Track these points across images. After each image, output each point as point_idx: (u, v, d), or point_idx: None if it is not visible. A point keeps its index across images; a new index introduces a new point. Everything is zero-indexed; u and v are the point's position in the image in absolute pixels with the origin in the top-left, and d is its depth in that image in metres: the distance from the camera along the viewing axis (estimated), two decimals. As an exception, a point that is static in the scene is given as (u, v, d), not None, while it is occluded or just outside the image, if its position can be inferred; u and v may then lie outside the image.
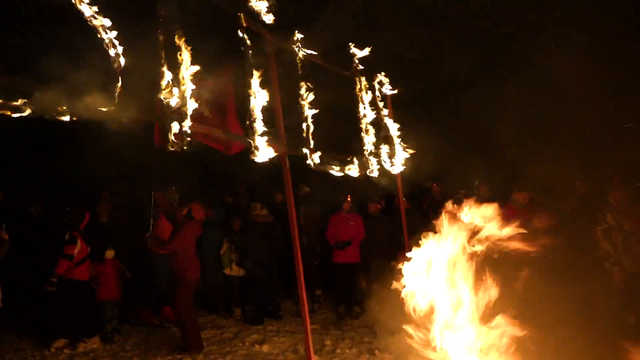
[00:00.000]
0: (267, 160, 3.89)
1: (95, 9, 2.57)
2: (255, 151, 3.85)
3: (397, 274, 8.11)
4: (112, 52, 2.76)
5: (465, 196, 8.93)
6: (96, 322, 7.59)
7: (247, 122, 3.90)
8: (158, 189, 8.43)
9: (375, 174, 5.51)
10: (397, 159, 6.07)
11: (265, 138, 3.87)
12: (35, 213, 8.27)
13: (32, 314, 8.05)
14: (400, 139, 6.09)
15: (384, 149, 5.79)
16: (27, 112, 2.23)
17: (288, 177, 4.56)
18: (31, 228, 8.08)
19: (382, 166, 5.69)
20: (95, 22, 2.67)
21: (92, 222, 7.76)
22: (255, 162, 3.90)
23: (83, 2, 2.52)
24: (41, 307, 7.65)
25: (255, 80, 3.91)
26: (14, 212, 7.89)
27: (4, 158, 10.30)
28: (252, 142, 3.80)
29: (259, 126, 3.89)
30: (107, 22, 2.66)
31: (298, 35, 4.72)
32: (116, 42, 2.75)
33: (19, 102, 2.22)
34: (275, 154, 4.10)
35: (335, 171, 4.81)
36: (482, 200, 8.87)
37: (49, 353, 7.12)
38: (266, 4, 3.87)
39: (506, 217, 6.94)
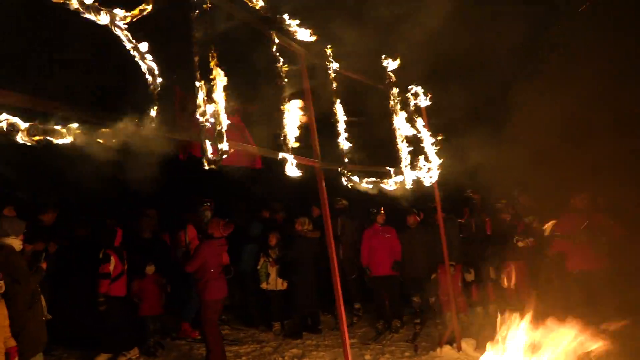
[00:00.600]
0: (300, 174, 3.90)
1: (127, 34, 2.66)
2: (289, 166, 3.87)
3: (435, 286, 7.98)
4: (149, 75, 2.85)
5: (507, 206, 8.78)
6: (136, 336, 7.72)
7: (282, 137, 3.94)
8: (189, 209, 8.56)
9: (410, 186, 5.45)
10: (432, 171, 5.99)
11: (296, 153, 3.90)
12: (82, 234, 8.54)
13: (79, 329, 8.30)
14: (436, 150, 6.01)
15: (420, 160, 5.73)
16: (69, 138, 2.31)
17: (323, 191, 4.56)
18: (78, 249, 8.36)
19: (418, 178, 5.62)
20: (131, 46, 2.76)
21: (134, 239, 7.98)
22: (291, 176, 3.92)
23: (121, 29, 2.61)
24: (86, 322, 7.88)
25: (289, 95, 3.96)
26: (63, 233, 8.18)
27: (54, 180, 10.73)
28: (285, 157, 3.83)
29: (292, 141, 3.93)
30: (144, 47, 2.74)
31: (330, 51, 4.75)
32: (153, 66, 2.83)
33: (62, 128, 2.31)
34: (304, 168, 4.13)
35: (369, 188, 4.79)
36: (523, 209, 8.69)
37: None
38: (297, 21, 3.92)
39: (564, 228, 6.84)
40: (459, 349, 6.84)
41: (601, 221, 6.91)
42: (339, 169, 4.55)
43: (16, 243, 5.29)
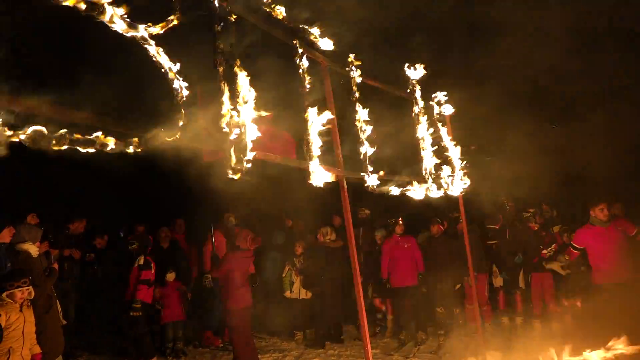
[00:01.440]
0: (324, 184, 3.89)
1: (158, 49, 2.69)
2: (312, 175, 3.87)
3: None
4: (175, 84, 2.88)
5: (534, 215, 8.63)
6: (157, 345, 7.87)
7: (305, 147, 3.94)
8: (217, 221, 8.63)
9: (435, 195, 5.38)
10: (456, 181, 5.92)
11: (319, 162, 3.89)
12: (101, 243, 8.74)
13: (103, 336, 8.44)
14: (461, 160, 5.94)
15: (445, 170, 5.66)
16: (96, 147, 2.35)
17: (346, 201, 4.53)
18: (98, 258, 8.53)
19: (442, 188, 5.56)
20: (159, 58, 2.80)
21: (154, 247, 8.13)
22: (314, 186, 3.91)
23: (147, 42, 2.65)
24: (111, 329, 8.01)
25: (312, 104, 3.96)
26: (84, 243, 8.36)
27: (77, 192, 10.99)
28: (309, 166, 3.83)
29: (316, 150, 3.92)
30: (168, 60, 2.78)
31: (353, 59, 4.74)
32: (178, 76, 2.87)
33: (89, 137, 2.34)
34: (333, 178, 4.11)
35: (395, 193, 4.74)
36: (547, 219, 8.53)
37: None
38: (319, 31, 3.93)
39: (584, 241, 6.67)
40: (484, 360, 6.71)
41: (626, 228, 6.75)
42: (362, 174, 4.52)
43: (33, 249, 5.52)
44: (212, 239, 8.33)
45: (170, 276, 8.07)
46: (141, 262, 7.38)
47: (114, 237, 8.96)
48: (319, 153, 3.93)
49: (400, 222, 8.59)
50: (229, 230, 8.60)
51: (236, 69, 3.29)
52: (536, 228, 8.51)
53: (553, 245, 8.17)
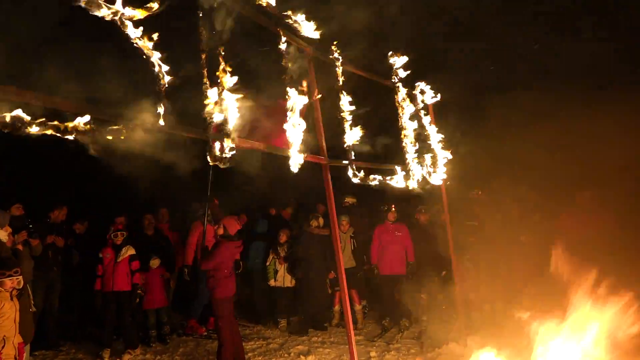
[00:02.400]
0: (311, 172, 3.90)
1: (139, 31, 2.67)
2: (294, 162, 3.88)
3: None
4: (156, 71, 2.86)
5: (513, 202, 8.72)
6: (140, 331, 8.02)
7: (286, 134, 3.94)
8: (212, 199, 8.60)
9: (415, 184, 5.43)
10: (439, 169, 5.98)
11: (303, 150, 3.89)
12: (80, 229, 8.67)
13: (86, 325, 8.40)
14: (442, 148, 6.00)
15: (427, 158, 5.71)
16: (79, 135, 2.33)
17: (330, 189, 4.56)
18: (77, 243, 8.47)
19: (424, 176, 5.61)
20: (140, 43, 2.77)
21: (138, 234, 8.23)
22: (297, 173, 3.93)
23: (127, 24, 2.62)
24: (94, 318, 8.00)
25: (295, 92, 3.96)
26: (66, 231, 8.28)
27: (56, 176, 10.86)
28: (291, 153, 3.84)
29: (299, 137, 3.92)
30: (151, 44, 2.75)
31: (337, 47, 4.74)
32: (160, 62, 2.84)
33: (71, 124, 2.32)
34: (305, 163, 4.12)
35: (377, 184, 4.78)
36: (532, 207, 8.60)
37: (102, 363, 7.37)
38: (303, 16, 3.91)
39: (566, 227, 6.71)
40: (465, 345, 6.83)
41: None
42: (345, 163, 4.54)
43: (2, 234, 5.48)
44: (202, 230, 8.29)
45: (154, 263, 8.13)
46: (132, 252, 7.60)
47: (94, 224, 8.85)
48: (300, 140, 3.93)
49: (393, 209, 8.59)
50: (216, 217, 8.57)
51: (219, 56, 3.28)
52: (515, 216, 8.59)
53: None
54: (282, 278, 8.76)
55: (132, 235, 7.96)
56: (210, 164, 3.09)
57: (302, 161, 3.82)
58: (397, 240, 8.54)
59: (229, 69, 3.19)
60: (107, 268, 7.56)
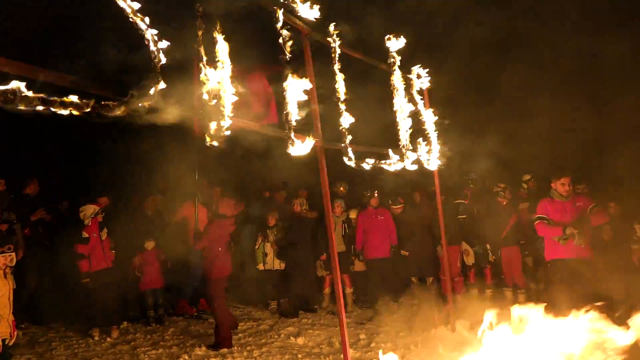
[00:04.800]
0: (303, 154, 3.88)
1: (136, 4, 2.61)
2: (291, 145, 3.85)
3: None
4: (152, 48, 2.81)
5: (504, 190, 8.78)
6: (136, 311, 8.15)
7: (284, 116, 3.91)
8: (202, 181, 8.61)
9: (410, 168, 5.42)
10: (433, 154, 5.98)
11: (299, 132, 3.86)
12: (64, 208, 8.64)
13: (75, 303, 8.40)
14: (437, 134, 5.99)
15: (422, 143, 5.70)
16: (74, 110, 2.29)
17: (324, 172, 4.55)
18: (62, 222, 8.44)
19: (419, 161, 5.60)
20: (136, 19, 2.72)
21: (137, 216, 8.37)
22: (293, 156, 3.90)
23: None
24: (82, 297, 8.01)
25: (291, 73, 3.91)
26: (47, 207, 8.23)
27: (38, 155, 10.80)
28: (288, 135, 3.81)
29: (295, 119, 3.89)
30: (147, 20, 2.70)
31: (334, 28, 4.68)
32: (156, 39, 2.79)
33: (64, 99, 2.28)
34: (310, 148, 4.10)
35: (371, 166, 4.76)
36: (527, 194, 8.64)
37: (92, 341, 7.39)
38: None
39: (545, 211, 6.71)
40: (453, 330, 6.91)
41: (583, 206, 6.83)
42: (341, 145, 4.52)
43: None
44: (194, 211, 8.31)
45: (149, 244, 8.15)
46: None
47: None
48: (298, 122, 3.90)
49: (376, 194, 8.66)
50: (208, 198, 8.56)
51: (215, 34, 3.23)
52: (505, 203, 8.66)
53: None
54: (272, 261, 8.78)
55: (131, 216, 8.02)
56: (207, 143, 3.06)
57: (304, 148, 3.78)
58: (380, 224, 8.64)
59: (226, 46, 3.15)
60: (94, 247, 7.54)
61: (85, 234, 7.48)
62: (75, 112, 2.40)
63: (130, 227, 8.24)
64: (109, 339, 7.45)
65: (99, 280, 7.54)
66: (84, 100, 2.40)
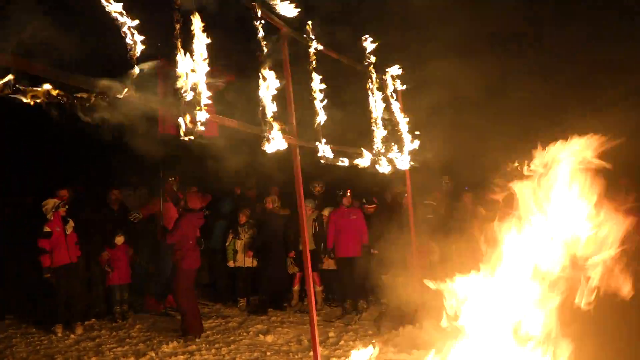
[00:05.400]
0: (280, 150, 3.88)
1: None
2: (267, 142, 3.85)
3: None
4: (128, 39, 2.76)
5: (469, 192, 8.95)
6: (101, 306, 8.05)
7: (259, 113, 3.90)
8: (167, 179, 8.55)
9: (383, 169, 5.48)
10: (405, 155, 6.06)
11: (277, 128, 3.86)
12: (30, 202, 8.45)
13: (36, 299, 8.19)
14: (410, 135, 6.08)
15: (395, 144, 5.78)
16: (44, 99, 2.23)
17: (298, 169, 4.56)
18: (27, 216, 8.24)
19: (391, 161, 5.67)
20: (112, 9, 2.67)
21: (105, 210, 8.24)
22: (264, 153, 3.90)
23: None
24: (43, 292, 7.83)
25: (268, 71, 3.91)
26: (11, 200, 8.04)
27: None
28: (263, 132, 3.80)
29: (270, 117, 3.89)
30: (122, 9, 2.66)
31: (311, 28, 4.70)
32: (133, 30, 2.75)
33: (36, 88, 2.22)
34: (286, 146, 4.10)
35: (345, 163, 4.80)
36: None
37: (55, 338, 7.21)
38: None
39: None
40: (421, 328, 7.01)
41: None
42: (316, 144, 4.54)
43: None
44: (160, 209, 8.26)
45: (119, 239, 8.01)
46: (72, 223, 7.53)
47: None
48: (273, 120, 3.90)
49: (348, 194, 8.70)
50: (174, 194, 8.49)
51: (193, 28, 3.20)
52: (470, 205, 8.81)
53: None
54: (242, 258, 8.74)
55: (99, 211, 7.97)
56: (182, 138, 3.03)
57: (279, 145, 3.79)
58: (352, 223, 8.68)
59: (202, 39, 3.12)
60: (57, 241, 7.36)
61: (47, 228, 7.30)
62: (47, 102, 2.36)
63: (95, 222, 8.10)
64: (72, 336, 7.29)
65: (63, 275, 7.38)
66: (58, 91, 2.36)
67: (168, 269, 8.21)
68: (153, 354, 6.55)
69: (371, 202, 9.07)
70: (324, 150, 4.55)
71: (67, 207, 7.56)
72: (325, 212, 9.05)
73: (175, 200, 8.34)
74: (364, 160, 5.05)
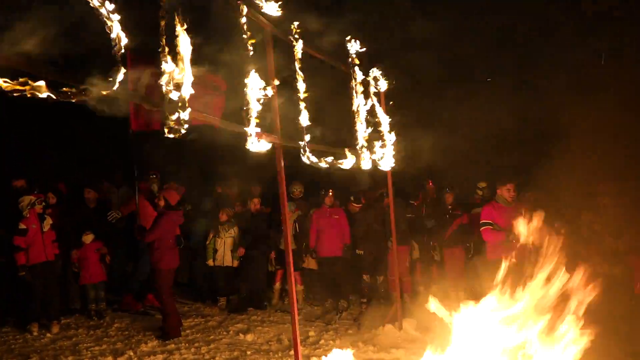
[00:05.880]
0: (264, 150, 3.88)
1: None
2: (251, 141, 3.84)
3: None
4: (113, 35, 2.74)
5: (451, 191, 9.04)
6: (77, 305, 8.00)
7: (243, 112, 3.89)
8: (141, 178, 8.46)
9: (366, 166, 5.50)
10: (388, 155, 6.10)
11: (259, 129, 3.86)
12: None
13: (11, 298, 8.02)
14: (392, 135, 6.11)
15: (377, 144, 5.81)
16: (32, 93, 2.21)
17: (282, 169, 4.56)
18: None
19: (374, 162, 5.71)
20: (96, 3, 2.65)
21: (78, 208, 8.17)
22: (253, 152, 3.89)
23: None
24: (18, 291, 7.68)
25: (253, 69, 3.91)
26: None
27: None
28: (247, 131, 3.80)
29: (255, 116, 3.89)
30: (110, 6, 2.63)
31: (296, 27, 4.70)
32: (118, 26, 2.73)
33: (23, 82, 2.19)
34: (270, 145, 4.10)
35: (328, 164, 4.81)
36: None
37: (31, 337, 7.09)
38: (267, -6, 3.86)
39: (490, 216, 6.95)
40: (400, 328, 7.08)
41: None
42: (300, 144, 4.55)
43: None
44: (135, 208, 8.20)
45: (87, 238, 7.89)
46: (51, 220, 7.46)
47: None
48: (257, 119, 3.90)
49: (330, 193, 8.72)
50: (149, 192, 8.42)
51: (177, 25, 3.18)
52: (450, 207, 8.90)
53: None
54: (222, 257, 8.70)
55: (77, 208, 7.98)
56: (166, 135, 3.01)
57: (263, 145, 3.79)
58: (334, 223, 8.69)
59: (188, 37, 3.11)
60: (33, 239, 7.24)
61: (22, 226, 7.17)
62: (31, 95, 2.33)
63: (72, 219, 8.01)
64: (48, 335, 7.18)
65: (39, 273, 7.25)
66: (38, 84, 2.32)
67: (147, 267, 8.14)
68: (131, 353, 6.49)
69: (358, 201, 9.06)
70: (307, 150, 4.56)
71: (43, 204, 7.44)
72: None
73: (151, 198, 8.24)
74: (347, 162, 5.07)
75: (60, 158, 10.62)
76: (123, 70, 2.60)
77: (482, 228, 6.83)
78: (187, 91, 3.16)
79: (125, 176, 9.04)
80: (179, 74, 3.13)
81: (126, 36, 2.76)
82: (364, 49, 5.48)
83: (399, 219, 8.30)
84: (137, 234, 7.58)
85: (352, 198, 9.10)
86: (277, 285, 9.00)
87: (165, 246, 7.07)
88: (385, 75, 6.41)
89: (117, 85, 2.69)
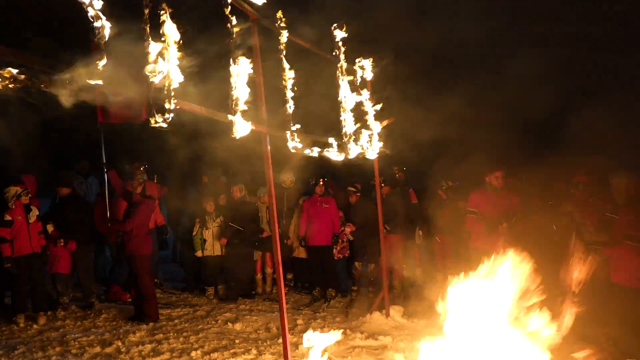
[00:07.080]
0: (244, 136, 3.87)
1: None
2: (236, 129, 3.83)
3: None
4: (97, 24, 2.71)
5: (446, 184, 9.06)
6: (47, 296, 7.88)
7: (229, 100, 3.88)
8: (111, 167, 8.38)
9: (352, 154, 5.51)
10: (374, 144, 6.11)
11: (243, 117, 3.85)
12: None
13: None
14: (378, 124, 6.12)
15: (364, 133, 5.81)
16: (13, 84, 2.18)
17: (268, 158, 4.57)
18: None
19: (362, 150, 5.72)
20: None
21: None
22: (237, 139, 3.88)
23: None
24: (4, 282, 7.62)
25: (239, 57, 3.89)
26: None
27: None
28: (233, 119, 3.79)
29: (241, 104, 3.88)
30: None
31: (282, 15, 4.67)
32: (101, 15, 2.70)
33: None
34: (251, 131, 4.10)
35: (314, 154, 4.82)
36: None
37: (17, 328, 7.06)
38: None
39: (475, 204, 7.01)
40: (387, 315, 7.16)
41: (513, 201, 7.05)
42: (286, 133, 4.55)
43: None
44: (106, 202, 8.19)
45: (50, 227, 7.78)
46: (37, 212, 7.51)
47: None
48: (244, 107, 3.89)
49: (321, 182, 8.71)
50: (120, 185, 8.33)
51: (162, 12, 3.15)
52: (444, 197, 8.91)
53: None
54: (211, 247, 8.68)
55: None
56: (152, 125, 2.99)
57: (247, 130, 3.79)
58: (324, 212, 8.71)
59: (172, 25, 3.08)
60: (19, 230, 7.17)
61: (8, 217, 7.10)
62: (11, 86, 2.30)
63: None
64: (35, 326, 7.15)
65: (25, 265, 7.20)
66: (21, 74, 2.30)
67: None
68: (120, 344, 6.49)
69: (357, 190, 9.03)
70: (294, 139, 4.56)
71: (29, 195, 7.36)
72: (300, 201, 9.08)
73: (123, 191, 8.13)
74: (332, 153, 5.07)
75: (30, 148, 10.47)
76: (105, 59, 2.58)
77: (467, 216, 6.92)
78: (174, 79, 3.14)
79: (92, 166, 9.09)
80: (164, 63, 3.11)
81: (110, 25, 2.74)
82: (348, 35, 5.44)
83: (398, 208, 8.35)
84: (112, 227, 7.81)
85: (350, 187, 9.08)
86: (259, 275, 9.04)
87: (142, 233, 7.41)
88: (373, 62, 6.39)
89: (100, 75, 2.68)
